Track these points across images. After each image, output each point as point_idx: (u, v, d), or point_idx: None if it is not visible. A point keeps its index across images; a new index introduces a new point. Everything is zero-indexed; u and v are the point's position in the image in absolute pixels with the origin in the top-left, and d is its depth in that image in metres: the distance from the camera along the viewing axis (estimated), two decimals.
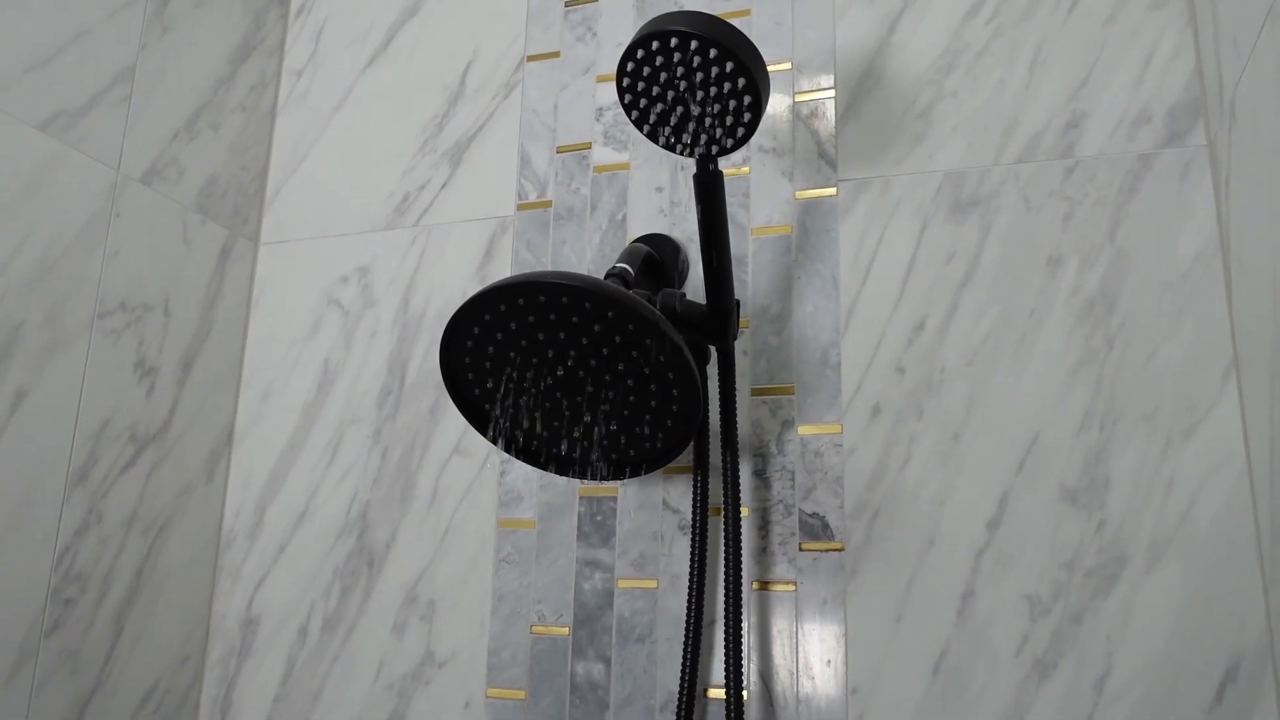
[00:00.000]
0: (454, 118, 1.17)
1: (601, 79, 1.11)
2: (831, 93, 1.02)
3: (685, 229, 1.04)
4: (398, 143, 1.18)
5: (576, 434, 0.84)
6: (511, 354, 0.80)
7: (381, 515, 1.07)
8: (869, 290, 0.96)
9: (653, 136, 0.81)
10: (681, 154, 0.81)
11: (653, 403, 0.80)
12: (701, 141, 0.78)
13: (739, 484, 0.89)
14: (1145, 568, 0.83)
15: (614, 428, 0.83)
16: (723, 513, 0.88)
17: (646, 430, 0.82)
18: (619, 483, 0.99)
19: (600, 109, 1.11)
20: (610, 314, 0.74)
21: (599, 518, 1.00)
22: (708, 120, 0.76)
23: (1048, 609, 0.85)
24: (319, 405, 1.13)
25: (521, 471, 1.04)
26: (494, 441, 0.84)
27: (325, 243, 1.18)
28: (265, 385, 1.16)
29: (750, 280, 1.00)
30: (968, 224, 0.95)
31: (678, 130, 0.79)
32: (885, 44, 1.02)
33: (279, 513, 1.12)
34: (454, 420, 1.07)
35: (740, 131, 0.77)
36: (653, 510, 0.98)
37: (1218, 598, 0.81)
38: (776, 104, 1.04)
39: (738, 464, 0.89)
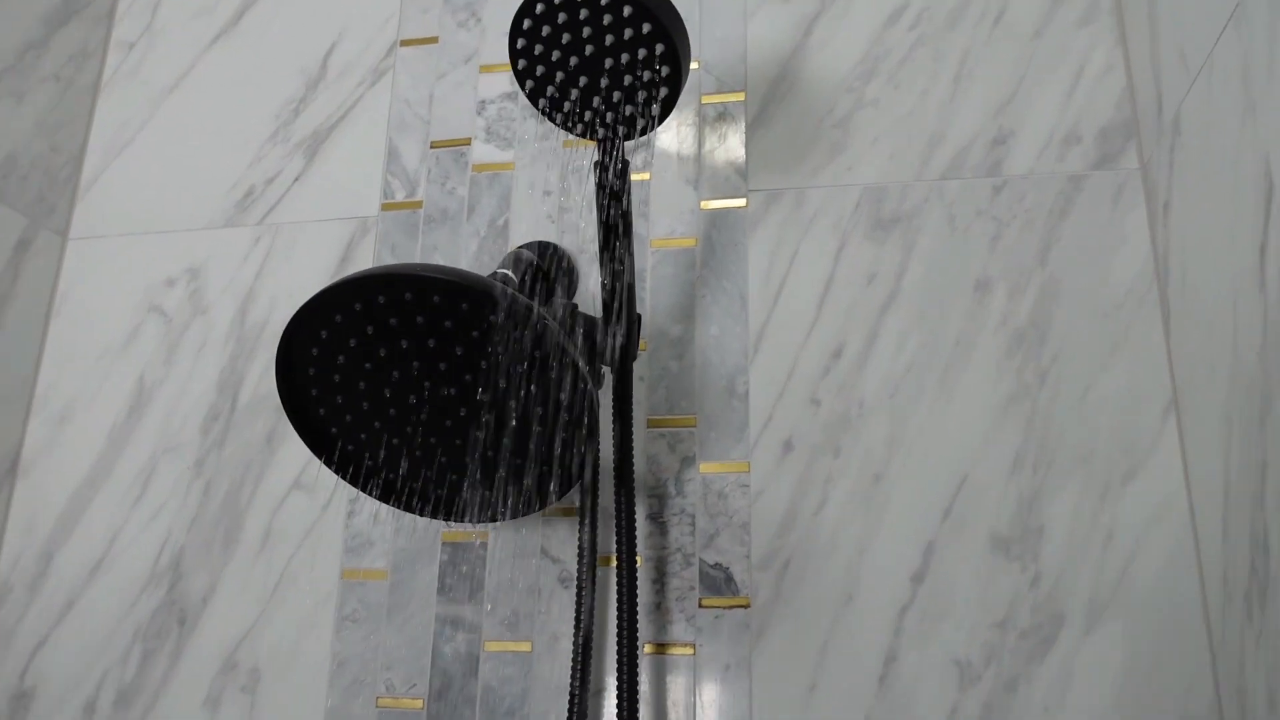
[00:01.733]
0: (312, 104, 1.02)
1: (485, 69, 0.99)
2: (741, 96, 0.93)
3: (575, 239, 0.91)
4: (244, 130, 1.02)
5: (442, 465, 0.69)
6: (366, 366, 0.65)
7: (199, 563, 0.89)
8: (781, 312, 0.86)
9: (549, 115, 0.68)
10: (582, 136, 0.69)
11: (537, 429, 0.66)
12: (607, 121, 0.66)
13: (635, 527, 0.76)
14: (1085, 628, 0.74)
15: (490, 457, 0.69)
16: (615, 562, 0.75)
17: (528, 464, 0.68)
18: (489, 527, 0.85)
19: (483, 102, 0.98)
20: (488, 316, 0.61)
21: (464, 568, 0.85)
22: (616, 95, 0.64)
23: (979, 675, 0.74)
24: (129, 430, 0.94)
25: (371, 512, 0.88)
26: (342, 474, 0.69)
27: (149, 240, 1.00)
28: (63, 406, 0.97)
29: (649, 297, 0.88)
30: (889, 243, 0.86)
31: (577, 110, 0.67)
32: (801, 46, 0.93)
33: (70, 560, 0.92)
34: (295, 450, 0.90)
35: (655, 109, 0.65)
36: (529, 559, 0.84)
37: (1163, 661, 0.72)
38: (681, 105, 0.93)
39: (634, 505, 0.76)
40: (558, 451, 0.67)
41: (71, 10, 1.04)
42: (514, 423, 0.64)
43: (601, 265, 0.71)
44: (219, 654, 0.86)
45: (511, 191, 0.94)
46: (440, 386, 0.65)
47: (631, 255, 0.71)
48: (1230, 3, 0.65)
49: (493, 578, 0.84)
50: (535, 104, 0.68)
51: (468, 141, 0.97)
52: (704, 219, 0.90)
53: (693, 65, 0.94)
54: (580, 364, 0.62)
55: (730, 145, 0.92)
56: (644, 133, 0.68)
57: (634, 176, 0.92)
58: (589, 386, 0.62)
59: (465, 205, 0.95)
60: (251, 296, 0.96)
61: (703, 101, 0.93)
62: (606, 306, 0.71)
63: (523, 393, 0.63)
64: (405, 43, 1.02)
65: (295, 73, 1.03)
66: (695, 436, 0.84)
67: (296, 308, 0.93)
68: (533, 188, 0.94)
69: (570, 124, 0.68)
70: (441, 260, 0.93)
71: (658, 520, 0.82)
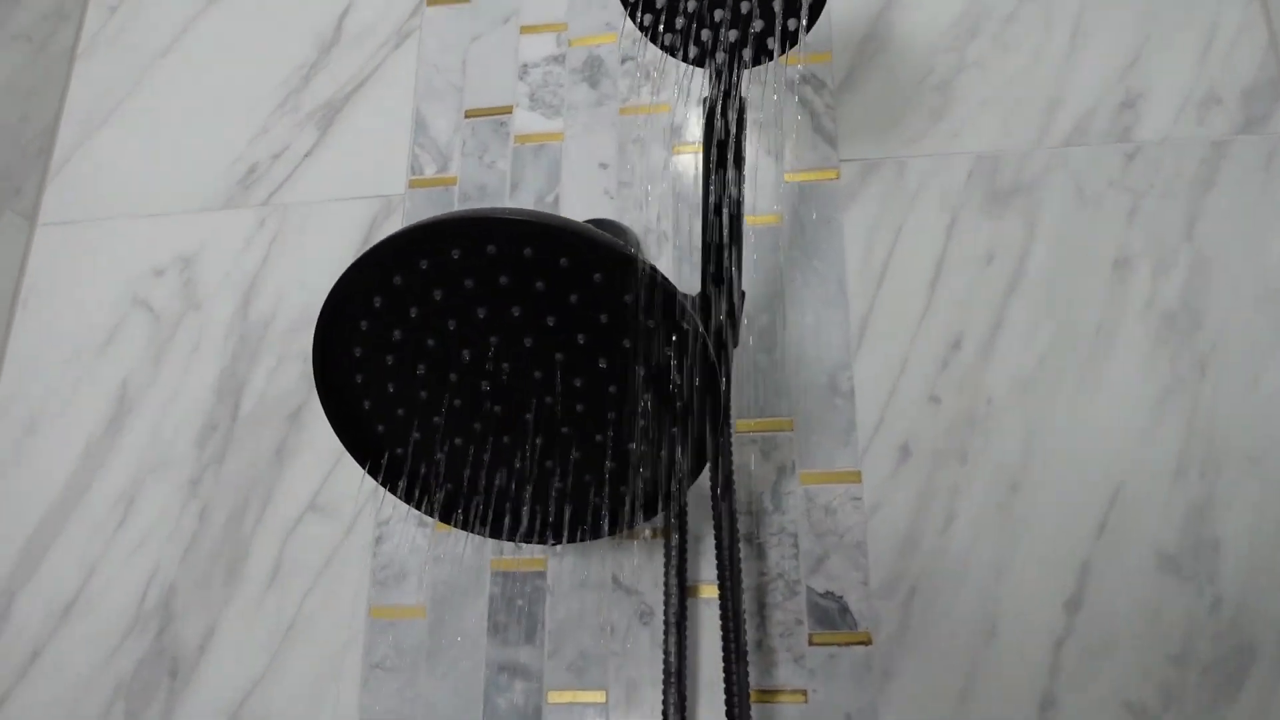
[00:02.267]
0: (325, 70, 0.89)
1: (527, 29, 0.87)
2: (827, 57, 0.81)
3: (637, 218, 0.79)
4: (246, 99, 0.89)
5: (521, 472, 0.56)
6: (429, 344, 0.52)
7: (195, 602, 0.75)
8: (886, 297, 0.74)
9: (651, 37, 0.56)
10: (695, 63, 0.57)
11: (645, 424, 0.53)
12: (726, 44, 0.54)
13: (739, 548, 0.63)
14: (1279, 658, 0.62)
15: (577, 460, 0.55)
16: (720, 591, 0.61)
17: (641, 465, 0.55)
18: (549, 549, 0.71)
19: (525, 66, 0.86)
20: (595, 276, 0.48)
21: (520, 602, 0.71)
22: (744, 6, 0.52)
23: (1157, 718, 0.62)
24: (109, 444, 0.80)
25: (406, 537, 0.74)
26: (390, 487, 0.56)
27: (134, 224, 0.86)
28: (30, 415, 0.82)
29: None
30: (1008, 217, 0.74)
31: (686, 24, 0.55)
32: (889, 3, 0.82)
33: (36, 601, 0.76)
34: (310, 466, 0.76)
35: (803, 15, 0.53)
36: (599, 591, 0.70)
37: None
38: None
39: (736, 521, 0.63)
40: (661, 454, 0.53)
41: None
42: (641, 414, 0.51)
43: (705, 228, 0.58)
44: (220, 712, 0.71)
45: (562, 165, 0.82)
46: (523, 370, 0.52)
47: (741, 217, 0.59)
48: None
49: (555, 613, 0.70)
50: (635, 21, 0.56)
51: (509, 110, 0.84)
52: (790, 193, 0.78)
53: None
54: (708, 339, 0.49)
55: (817, 110, 0.80)
56: (773, 55, 0.56)
57: (695, 147, 0.80)
58: (716, 363, 0.50)
59: (508, 181, 0.82)
60: (255, 287, 0.83)
61: (783, 63, 0.82)
62: (715, 278, 0.58)
63: (645, 377, 0.50)
64: (432, 2, 0.89)
65: (306, 35, 0.90)
66: (793, 442, 0.71)
67: (311, 301, 0.80)
68: (588, 161, 0.81)
69: (678, 47, 0.56)
70: None
71: (753, 542, 0.69)
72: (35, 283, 0.86)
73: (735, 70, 0.55)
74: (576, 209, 0.80)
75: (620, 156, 0.81)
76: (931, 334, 0.72)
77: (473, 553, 0.72)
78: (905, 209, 0.76)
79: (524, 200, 0.81)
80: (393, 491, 0.57)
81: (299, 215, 0.84)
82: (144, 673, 0.73)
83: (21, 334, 0.84)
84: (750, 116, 0.78)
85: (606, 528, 0.58)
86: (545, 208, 0.81)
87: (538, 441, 0.54)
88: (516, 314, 0.49)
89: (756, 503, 0.70)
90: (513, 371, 0.52)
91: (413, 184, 0.83)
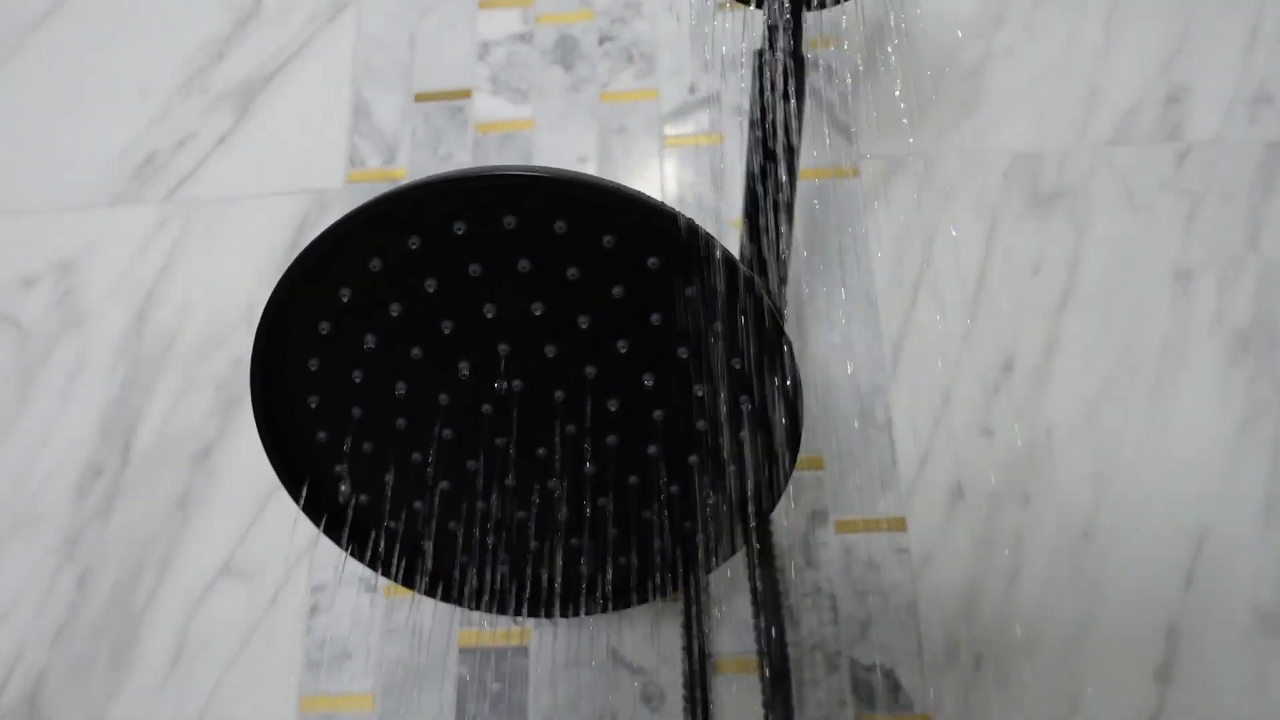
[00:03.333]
0: (242, 46, 0.75)
1: (486, 4, 0.74)
2: (842, 43, 0.71)
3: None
4: (142, 78, 0.74)
5: (522, 523, 0.42)
6: (414, 352, 0.39)
7: (70, 695, 0.58)
8: (922, 313, 0.63)
9: None
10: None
11: (693, 458, 0.41)
12: None
13: (782, 613, 0.50)
14: None
15: (603, 508, 0.42)
16: (760, 664, 0.49)
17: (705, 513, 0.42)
18: (533, 623, 0.58)
19: (485, 44, 0.73)
20: (650, 260, 0.36)
21: (496, 686, 0.57)
22: None
23: None
24: None
25: (346, 606, 0.59)
26: (353, 546, 0.42)
27: (0, 222, 0.70)
28: None
29: None
30: (1054, 222, 0.65)
31: None
32: None
33: None
34: (223, 519, 0.61)
35: None
36: (596, 671, 0.57)
37: None
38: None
39: (776, 582, 0.51)
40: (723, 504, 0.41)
41: None
42: (702, 445, 0.38)
43: (753, 207, 0.47)
44: None
45: (532, 156, 0.70)
46: (542, 388, 0.39)
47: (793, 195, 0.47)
48: None
49: (540, 699, 0.56)
50: None
51: (467, 94, 0.72)
52: (804, 193, 0.67)
53: None
54: (786, 332, 0.37)
55: (830, 101, 0.70)
56: None
57: (695, 139, 0.70)
58: (795, 365, 0.38)
59: None
60: (154, 299, 0.67)
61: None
62: (761, 266, 0.47)
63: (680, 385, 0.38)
64: None
65: (216, 6, 0.76)
66: (824, 483, 0.60)
67: (224, 315, 0.65)
68: (563, 152, 0.69)
69: None
70: None
71: (783, 605, 0.57)
72: None
73: (799, 11, 0.44)
74: None
75: (602, 148, 0.69)
76: (978, 356, 0.62)
77: (435, 624, 0.58)
78: (936, 212, 0.66)
79: None
80: (358, 557, 0.43)
81: (210, 213, 0.69)
82: None
83: None
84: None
85: (635, 595, 0.45)
86: None
87: (550, 484, 0.41)
88: (539, 312, 0.36)
89: (784, 557, 0.58)
90: (528, 390, 0.39)
91: (352, 178, 0.70)
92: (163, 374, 0.65)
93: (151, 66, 0.75)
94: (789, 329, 0.48)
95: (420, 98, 0.72)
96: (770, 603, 0.49)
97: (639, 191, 0.35)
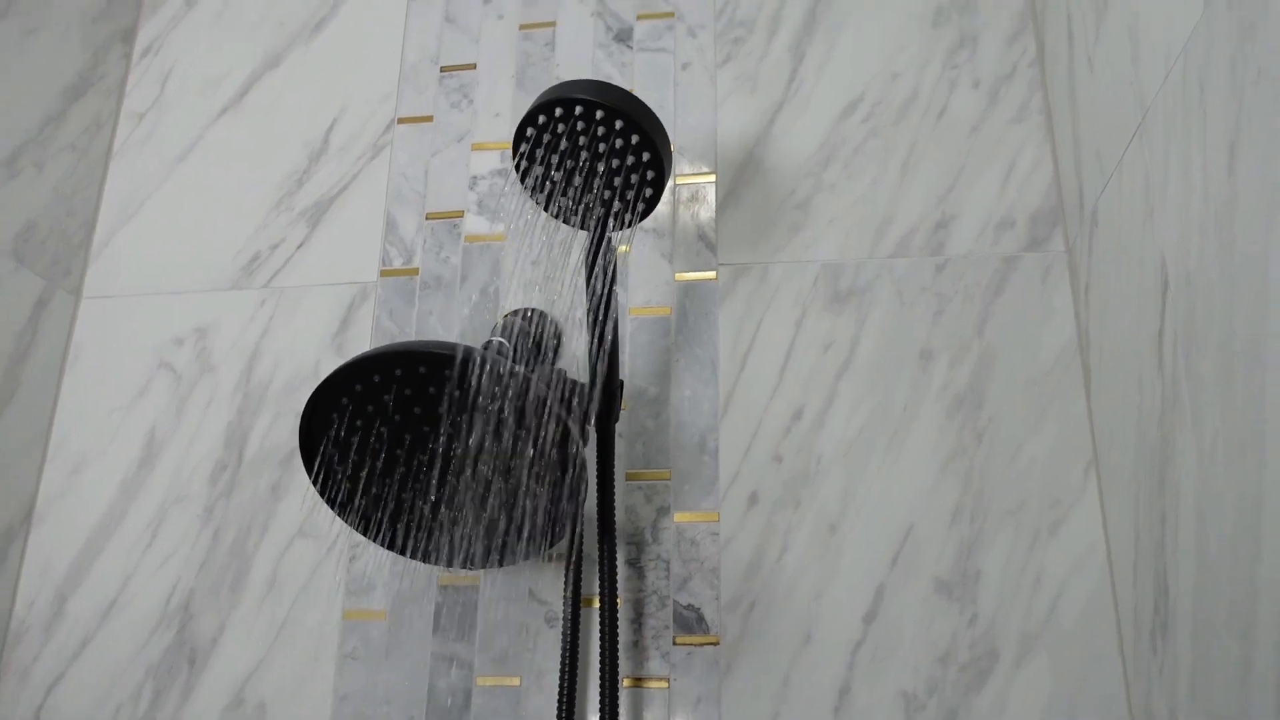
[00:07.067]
0: (315, 175, 1.10)
1: (477, 147, 1.08)
2: (712, 178, 1.02)
3: (560, 306, 1.00)
4: (250, 198, 1.10)
5: (445, 517, 0.77)
6: (381, 430, 0.73)
7: (208, 605, 0.96)
8: (748, 376, 0.95)
9: (545, 207, 0.77)
10: (574, 228, 0.78)
11: (531, 485, 0.75)
12: (598, 216, 0.75)
13: (616, 572, 0.84)
14: (1016, 662, 0.83)
15: (490, 507, 0.77)
16: (599, 604, 0.83)
17: (523, 517, 0.76)
18: (482, 571, 0.93)
19: (474, 178, 1.07)
20: (492, 391, 0.69)
21: (458, 610, 0.92)
22: (607, 194, 0.73)
23: (923, 705, 0.83)
24: (141, 480, 1.01)
25: (373, 557, 0.95)
26: (359, 527, 0.77)
27: (159, 300, 1.08)
28: (77, 456, 1.03)
29: (628, 361, 0.97)
30: (845, 314, 0.96)
31: (569, 203, 0.76)
32: (765, 134, 1.03)
33: (84, 602, 0.98)
34: (297, 500, 0.98)
35: (641, 207, 0.74)
36: (518, 602, 0.92)
37: (1084, 690, 0.82)
38: None
39: (615, 551, 0.84)
40: (549, 505, 0.75)
41: (87, 83, 1.12)
42: (507, 479, 0.72)
43: (591, 337, 0.80)
44: (228, 690, 0.93)
45: (501, 261, 1.03)
46: (440, 449, 0.73)
47: (616, 328, 0.80)
48: (1136, 118, 0.76)
49: (484, 618, 0.92)
50: (533, 198, 0.77)
51: (460, 214, 1.05)
52: (678, 290, 0.99)
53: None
54: (570, 423, 0.70)
55: (702, 223, 1.01)
56: (630, 225, 0.77)
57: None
58: (579, 445, 0.71)
59: (459, 273, 1.03)
60: (257, 355, 1.04)
61: (676, 182, 1.03)
62: (593, 372, 0.80)
63: (518, 451, 0.72)
64: (403, 120, 1.10)
65: (299, 145, 1.11)
66: (670, 489, 0.93)
67: (301, 367, 1.01)
68: (523, 259, 1.02)
69: (566, 216, 0.77)
70: (438, 324, 1.01)
71: (636, 565, 0.91)
72: (80, 348, 1.07)
73: (605, 235, 0.76)
74: (513, 298, 1.01)
75: (549, 256, 1.02)
76: (779, 407, 0.94)
77: (424, 572, 0.94)
78: (766, 305, 0.97)
79: (470, 289, 1.02)
80: (364, 532, 0.78)
81: (292, 297, 1.05)
82: (168, 660, 0.95)
83: (70, 390, 1.05)
84: (650, 225, 0.99)
85: (518, 555, 0.79)
86: (488, 297, 1.02)
87: (472, 494, 0.76)
88: (418, 412, 0.71)
89: (640, 535, 0.92)
90: (443, 446, 0.73)
91: (384, 273, 1.05)
92: (263, 406, 1.02)
93: (256, 189, 1.10)
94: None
95: (430, 216, 1.06)
96: (608, 567, 0.83)
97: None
